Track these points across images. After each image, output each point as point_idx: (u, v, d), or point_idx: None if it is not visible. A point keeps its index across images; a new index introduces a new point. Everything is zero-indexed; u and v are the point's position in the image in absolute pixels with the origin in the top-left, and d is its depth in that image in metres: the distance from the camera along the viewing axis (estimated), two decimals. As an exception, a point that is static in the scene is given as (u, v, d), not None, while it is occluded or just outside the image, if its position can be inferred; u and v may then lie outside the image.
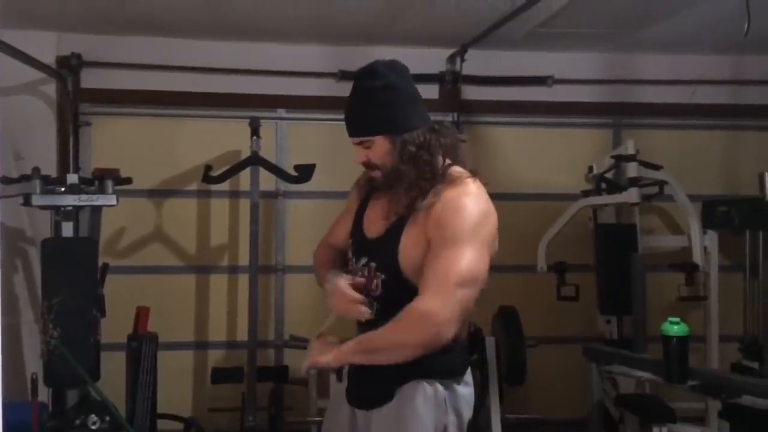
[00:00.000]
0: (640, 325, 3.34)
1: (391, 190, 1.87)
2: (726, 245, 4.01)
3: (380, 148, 1.81)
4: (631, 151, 3.79)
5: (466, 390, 1.87)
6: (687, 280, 3.82)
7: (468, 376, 1.90)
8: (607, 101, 4.37)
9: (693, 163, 4.33)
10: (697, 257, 3.76)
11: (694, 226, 3.76)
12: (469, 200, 1.76)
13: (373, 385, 1.85)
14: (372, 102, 1.80)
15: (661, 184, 3.82)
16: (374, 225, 1.90)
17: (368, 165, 1.85)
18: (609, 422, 3.69)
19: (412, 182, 1.79)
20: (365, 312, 1.81)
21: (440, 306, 1.66)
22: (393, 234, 1.82)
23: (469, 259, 1.70)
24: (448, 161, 1.87)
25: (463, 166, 1.89)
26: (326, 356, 1.79)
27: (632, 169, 3.76)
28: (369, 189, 1.97)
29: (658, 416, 3.19)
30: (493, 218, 1.80)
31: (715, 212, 3.87)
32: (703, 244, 3.82)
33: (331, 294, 1.87)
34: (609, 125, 4.40)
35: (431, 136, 1.84)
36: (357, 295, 1.83)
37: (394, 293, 1.79)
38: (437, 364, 1.81)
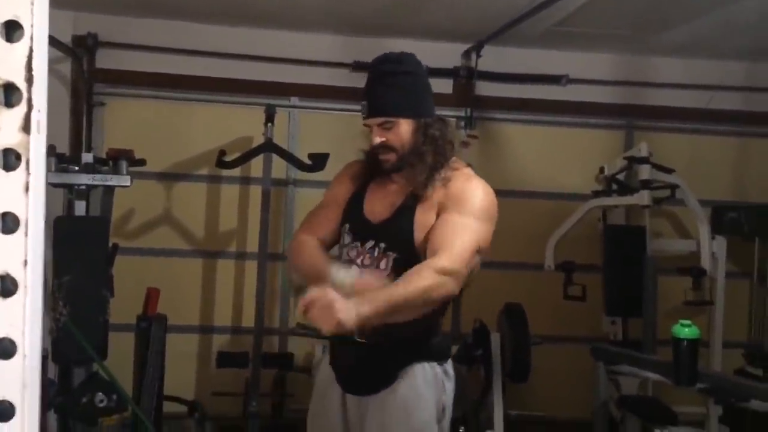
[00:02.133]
0: (649, 327, 3.34)
1: (399, 173, 1.92)
2: (734, 251, 4.02)
3: (402, 129, 1.88)
4: (644, 153, 3.79)
5: (451, 370, 1.97)
6: (694, 285, 3.82)
7: (450, 359, 2.00)
8: (621, 102, 4.37)
9: (704, 168, 4.33)
10: (705, 262, 3.76)
11: (704, 231, 3.75)
12: (484, 185, 1.90)
13: (373, 370, 1.89)
14: (400, 85, 1.89)
15: (673, 187, 3.81)
16: (379, 209, 1.94)
17: (385, 146, 1.89)
18: (610, 422, 3.71)
19: (430, 163, 1.86)
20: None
21: (461, 267, 1.76)
22: (405, 213, 1.89)
23: (484, 234, 1.83)
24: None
25: (460, 160, 1.99)
26: (354, 313, 1.61)
27: (644, 172, 3.76)
28: (365, 178, 2.00)
29: (660, 418, 3.22)
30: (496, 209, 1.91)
31: (725, 218, 3.87)
32: (711, 250, 3.82)
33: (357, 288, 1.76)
34: (622, 127, 4.40)
35: (444, 126, 1.94)
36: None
37: (404, 270, 1.81)
38: (434, 346, 1.89)
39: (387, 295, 1.70)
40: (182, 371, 4.01)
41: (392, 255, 1.87)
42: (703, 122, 4.37)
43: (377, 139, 1.89)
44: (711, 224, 3.87)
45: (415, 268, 1.74)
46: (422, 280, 1.71)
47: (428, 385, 1.88)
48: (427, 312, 1.81)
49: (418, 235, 1.85)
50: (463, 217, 1.80)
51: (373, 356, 1.88)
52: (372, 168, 1.98)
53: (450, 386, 1.94)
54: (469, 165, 2.02)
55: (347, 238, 1.97)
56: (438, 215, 1.84)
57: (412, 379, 1.86)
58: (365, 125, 1.93)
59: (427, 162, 1.87)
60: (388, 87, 1.88)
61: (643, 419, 3.35)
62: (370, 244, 1.91)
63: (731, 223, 3.85)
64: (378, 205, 1.96)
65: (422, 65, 1.99)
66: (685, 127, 4.37)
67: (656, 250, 3.97)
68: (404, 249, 1.86)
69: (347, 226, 1.98)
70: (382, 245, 1.88)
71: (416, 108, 1.89)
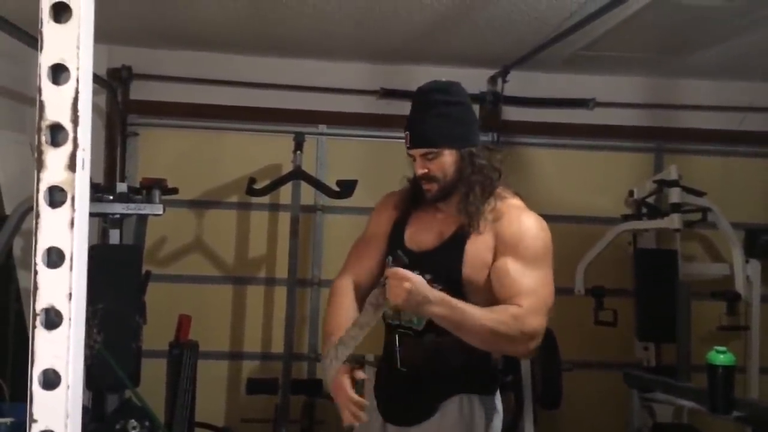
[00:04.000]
0: (683, 353, 3.28)
1: (440, 204, 1.90)
2: (769, 275, 3.94)
3: (447, 160, 1.86)
4: (674, 176, 3.76)
5: (500, 405, 1.92)
6: (728, 309, 3.75)
7: (499, 393, 1.93)
8: (650, 125, 4.35)
9: (736, 191, 4.27)
10: (740, 286, 3.70)
11: (737, 255, 3.70)
12: (540, 221, 1.87)
13: (414, 401, 1.86)
14: (444, 115, 1.87)
15: (704, 210, 3.77)
16: (424, 238, 1.91)
17: (427, 177, 1.87)
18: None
19: (479, 193, 1.83)
20: (362, 418, 1.77)
21: (540, 328, 1.74)
22: (455, 244, 1.84)
23: (552, 286, 1.81)
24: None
25: (507, 187, 1.94)
26: (432, 294, 1.68)
27: (675, 195, 3.73)
28: (406, 209, 1.99)
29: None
30: None
31: (759, 241, 3.81)
32: (745, 273, 3.76)
33: (332, 386, 1.83)
34: (651, 149, 4.37)
35: (490, 153, 1.91)
36: (357, 399, 1.79)
37: None
38: (479, 379, 1.84)
39: (462, 306, 1.69)
40: (213, 397, 4.04)
41: (437, 287, 1.80)
42: (734, 144, 4.33)
43: (420, 170, 1.88)
44: (744, 247, 3.81)
45: (503, 306, 1.71)
46: (503, 324, 1.67)
47: (468, 420, 1.83)
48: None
49: (467, 268, 1.81)
50: (528, 266, 1.75)
51: (413, 386, 1.86)
52: (415, 197, 1.97)
53: (497, 422, 1.88)
54: (517, 194, 1.96)
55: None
56: (495, 252, 1.79)
57: (450, 413, 1.82)
58: (409, 155, 1.92)
59: (476, 192, 1.84)
60: (432, 117, 1.86)
61: (679, 447, 3.28)
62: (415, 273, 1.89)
63: (765, 246, 3.78)
64: (423, 235, 1.93)
65: (467, 95, 1.96)
66: (716, 149, 4.33)
67: (688, 274, 3.92)
68: (451, 281, 1.81)
69: (389, 259, 1.96)
70: (427, 276, 1.80)
71: (460, 138, 1.87)
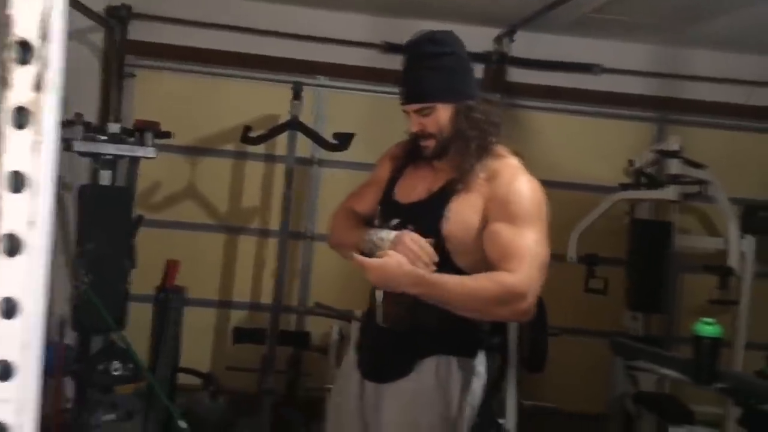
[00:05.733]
0: (670, 323, 3.29)
1: (439, 160, 1.85)
2: (764, 251, 3.92)
3: (441, 115, 1.78)
4: (674, 147, 3.71)
5: (480, 368, 1.85)
6: (720, 284, 3.75)
7: (482, 356, 1.88)
8: (654, 95, 4.28)
9: (738, 165, 4.23)
10: (733, 261, 3.68)
11: (733, 229, 3.67)
12: (534, 182, 1.79)
13: (391, 358, 1.83)
14: (438, 68, 1.78)
15: (702, 183, 3.73)
16: (412, 192, 1.87)
17: (423, 134, 1.81)
18: (626, 418, 3.67)
19: (474, 149, 1.77)
20: (434, 257, 1.70)
21: (533, 289, 1.66)
22: (440, 199, 1.79)
23: (545, 245, 1.73)
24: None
25: (506, 144, 1.87)
26: (405, 277, 1.62)
27: (674, 166, 3.69)
28: (403, 161, 1.94)
29: (677, 417, 3.17)
30: None
31: (756, 217, 3.78)
32: (740, 248, 3.73)
33: (400, 238, 1.71)
34: (654, 119, 4.31)
35: (489, 107, 1.84)
36: (424, 242, 1.70)
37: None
38: (458, 340, 1.81)
39: (443, 281, 1.64)
40: (200, 344, 4.05)
41: (429, 240, 1.74)
42: (739, 118, 4.27)
43: (415, 127, 1.81)
44: (742, 222, 3.78)
45: (487, 273, 1.66)
46: (486, 289, 1.63)
47: (444, 382, 1.78)
48: None
49: (449, 224, 1.75)
50: (518, 226, 1.68)
51: (391, 344, 1.82)
52: (414, 151, 1.92)
53: (476, 384, 1.82)
54: (516, 153, 1.87)
55: (376, 221, 1.90)
56: (484, 213, 1.73)
57: (426, 373, 1.78)
58: (404, 111, 1.84)
59: (471, 147, 1.77)
60: (425, 70, 1.78)
61: (660, 417, 3.30)
62: (394, 222, 1.81)
63: (762, 221, 3.76)
64: (411, 188, 1.87)
65: (462, 43, 1.85)
66: (720, 123, 4.27)
67: (683, 247, 3.90)
68: (431, 235, 1.74)
69: (379, 208, 1.93)
70: (410, 227, 1.76)
71: (456, 91, 1.78)
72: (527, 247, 1.67)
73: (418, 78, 1.80)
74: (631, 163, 4.08)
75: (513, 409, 3.36)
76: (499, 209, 1.72)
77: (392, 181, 1.94)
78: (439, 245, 1.74)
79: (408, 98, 1.82)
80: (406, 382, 1.80)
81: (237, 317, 4.15)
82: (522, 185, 1.76)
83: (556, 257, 3.86)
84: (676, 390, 3.67)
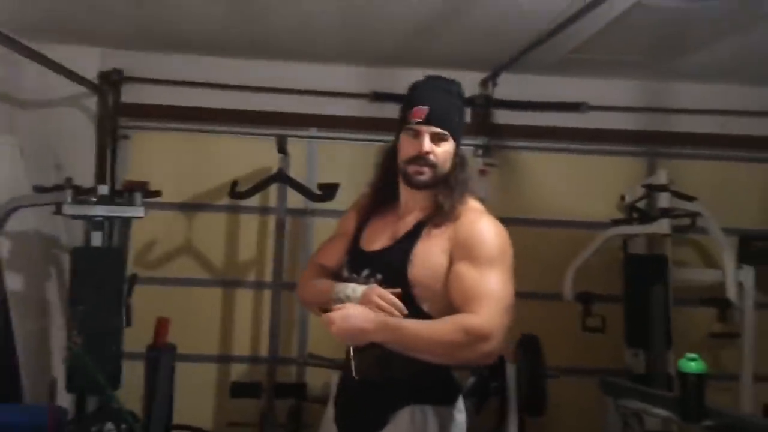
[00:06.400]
0: (659, 360, 3.24)
1: (399, 209, 1.87)
2: (764, 281, 3.88)
3: (449, 149, 1.81)
4: (663, 180, 3.72)
5: (459, 417, 1.84)
6: (719, 316, 3.70)
7: (460, 403, 1.87)
8: (642, 129, 4.30)
9: (730, 196, 4.22)
10: (731, 293, 3.64)
11: (728, 260, 3.64)
12: (497, 224, 1.80)
13: (366, 411, 1.82)
14: (456, 105, 1.84)
15: (694, 215, 3.72)
16: (377, 240, 1.88)
17: (427, 159, 1.79)
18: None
19: (457, 195, 1.80)
20: (403, 310, 1.72)
21: (497, 330, 1.64)
22: (404, 244, 1.80)
23: (510, 286, 1.72)
24: None
25: (471, 192, 1.90)
26: (368, 323, 1.64)
27: (664, 200, 3.68)
28: (368, 211, 1.96)
29: (682, 456, 3.09)
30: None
31: (752, 247, 3.75)
32: (738, 280, 3.69)
33: (367, 295, 1.73)
34: (643, 154, 4.32)
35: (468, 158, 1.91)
36: (391, 297, 1.72)
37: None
38: (432, 389, 1.80)
39: (404, 325, 1.65)
40: (201, 400, 4.04)
41: (391, 289, 1.75)
42: (728, 148, 4.27)
43: (426, 147, 1.77)
44: (738, 253, 3.76)
45: (449, 316, 1.65)
46: (448, 333, 1.62)
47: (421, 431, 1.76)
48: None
49: (414, 269, 1.75)
50: (482, 269, 1.68)
51: (366, 397, 1.82)
52: (380, 200, 1.93)
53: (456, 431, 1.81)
54: (479, 199, 1.89)
55: (345, 272, 1.91)
56: (449, 255, 1.74)
57: (401, 425, 1.76)
58: (412, 128, 1.79)
59: (456, 191, 1.80)
60: (450, 102, 1.81)
61: (665, 456, 3.23)
62: (365, 273, 1.83)
63: (759, 251, 3.73)
64: (377, 236, 1.88)
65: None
66: (710, 154, 4.27)
67: (680, 280, 3.87)
68: (397, 280, 1.75)
69: (346, 259, 1.95)
70: (378, 276, 1.78)
71: (461, 133, 1.83)
72: (491, 289, 1.68)
73: (443, 104, 1.80)
74: (622, 198, 4.09)
75: (515, 454, 3.32)
76: (462, 251, 1.74)
77: (359, 231, 1.96)
78: (407, 292, 1.75)
79: (432, 119, 1.78)
80: None
81: (237, 371, 4.14)
82: (485, 227, 1.78)
83: (552, 296, 3.91)
84: (686, 428, 3.60)
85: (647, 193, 3.81)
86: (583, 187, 4.26)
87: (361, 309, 1.66)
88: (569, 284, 3.79)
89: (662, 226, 3.62)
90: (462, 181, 1.83)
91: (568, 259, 3.89)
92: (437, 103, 1.79)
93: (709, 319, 3.85)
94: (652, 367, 3.32)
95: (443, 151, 1.79)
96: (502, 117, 4.27)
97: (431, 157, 1.78)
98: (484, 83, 4.22)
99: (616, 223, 3.92)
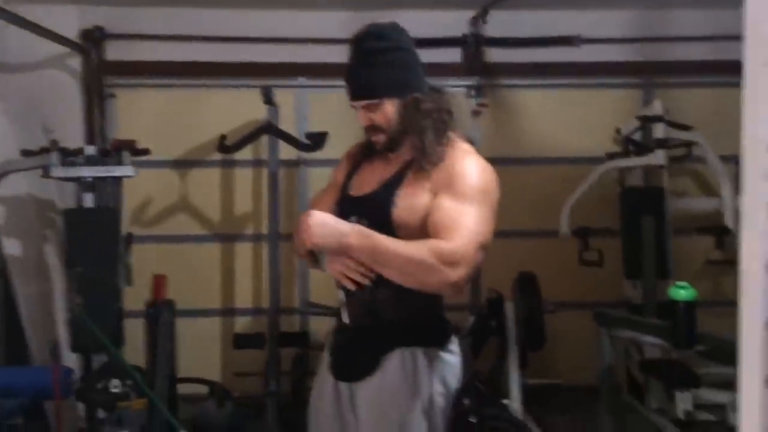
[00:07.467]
0: (650, 289, 3.25)
1: (390, 153, 1.85)
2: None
3: (388, 109, 1.78)
4: (658, 111, 3.66)
5: (452, 358, 1.83)
6: (717, 244, 3.70)
7: (453, 345, 1.86)
8: (637, 60, 4.22)
9: (728, 123, 4.12)
10: (729, 220, 3.63)
11: (726, 188, 3.61)
12: (482, 164, 1.78)
13: (356, 357, 1.83)
14: (382, 64, 1.78)
15: (690, 145, 3.68)
16: (365, 185, 1.87)
17: (372, 128, 1.82)
18: (635, 387, 3.65)
19: (431, 138, 1.78)
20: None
21: (466, 261, 1.63)
22: (389, 187, 1.79)
23: (488, 225, 1.70)
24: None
25: (458, 131, 1.87)
26: (345, 226, 1.70)
27: (659, 130, 3.64)
28: (359, 159, 1.95)
29: (682, 382, 3.14)
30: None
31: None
32: (735, 206, 3.67)
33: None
34: (639, 85, 4.25)
35: (440, 97, 1.84)
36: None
37: None
38: (422, 332, 1.80)
39: (378, 236, 1.67)
40: (208, 353, 4.10)
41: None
42: (727, 74, 4.17)
43: (363, 122, 1.82)
44: (737, 180, 3.72)
45: (420, 241, 1.66)
46: (418, 252, 1.62)
47: (411, 374, 1.76)
48: (413, 291, 1.69)
49: (398, 210, 1.74)
50: (460, 202, 1.68)
51: (357, 342, 1.83)
52: (370, 147, 1.92)
53: (449, 374, 1.80)
54: (469, 140, 1.88)
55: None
56: (432, 194, 1.73)
57: (391, 368, 1.76)
58: (352, 107, 1.84)
59: (429, 136, 1.77)
60: (369, 67, 1.77)
61: (665, 383, 3.28)
62: (353, 220, 1.80)
63: (756, 178, 3.69)
64: (365, 182, 1.88)
65: (407, 35, 1.85)
66: (705, 81, 4.19)
67: (678, 210, 3.85)
68: (383, 223, 1.75)
69: (335, 206, 1.94)
70: (365, 221, 1.76)
71: (401, 85, 1.79)
72: (467, 221, 1.67)
73: (363, 74, 1.79)
74: (618, 131, 4.04)
75: (517, 389, 3.37)
76: (444, 186, 1.72)
77: (348, 179, 1.94)
78: (392, 234, 1.74)
79: (354, 95, 1.81)
80: (374, 379, 1.79)
81: (242, 323, 4.19)
82: (468, 163, 1.75)
83: (549, 233, 3.91)
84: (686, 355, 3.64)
85: (642, 124, 3.77)
86: (578, 122, 4.21)
87: (323, 216, 1.72)
88: (566, 220, 3.78)
89: (658, 157, 3.58)
90: (428, 126, 1.79)
91: (565, 196, 3.87)
92: (357, 73, 1.79)
93: (707, 247, 3.84)
94: (650, 298, 3.33)
95: (382, 116, 1.79)
96: (495, 55, 4.19)
97: (375, 124, 1.80)
98: (474, 21, 4.13)
99: (611, 156, 3.88)
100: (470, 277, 1.67)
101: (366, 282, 1.74)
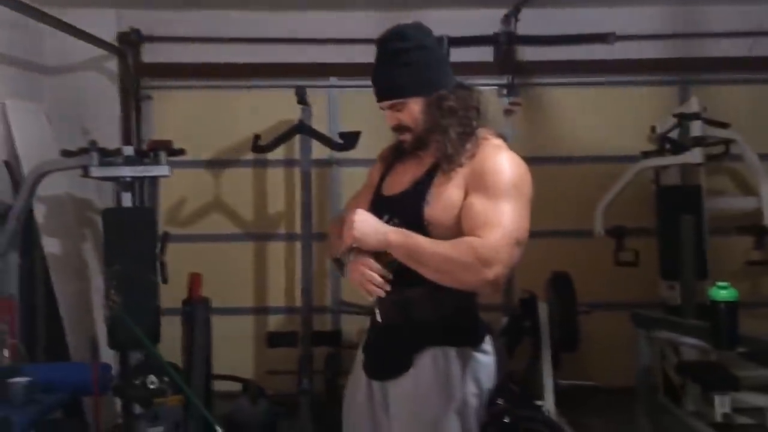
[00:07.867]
0: (688, 290, 3.20)
1: (420, 152, 1.86)
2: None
3: (414, 108, 1.79)
4: (695, 108, 3.60)
5: (485, 358, 1.82)
6: (756, 244, 3.62)
7: (487, 345, 1.85)
8: (673, 57, 4.16)
9: (766, 120, 4.07)
10: (768, 219, 3.56)
11: (764, 187, 3.54)
12: (515, 158, 1.76)
13: (388, 355, 1.83)
14: (405, 64, 1.78)
15: (728, 142, 3.61)
16: (398, 184, 1.87)
17: (399, 128, 1.84)
18: (671, 389, 3.59)
19: (455, 136, 1.77)
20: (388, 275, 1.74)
21: (502, 259, 1.62)
22: (421, 185, 1.79)
23: (523, 221, 1.68)
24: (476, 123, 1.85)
25: (489, 127, 1.86)
26: (383, 226, 1.71)
27: (696, 128, 3.58)
28: (392, 159, 1.95)
29: (720, 384, 3.08)
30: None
31: (790, 171, 3.64)
32: (775, 206, 3.60)
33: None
34: (674, 82, 4.20)
35: (465, 93, 1.84)
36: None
37: None
38: (456, 331, 1.79)
39: (418, 236, 1.67)
40: (241, 351, 4.15)
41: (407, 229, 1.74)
42: (763, 71, 4.10)
43: (390, 122, 1.82)
44: (776, 178, 3.64)
45: (456, 239, 1.66)
46: (455, 250, 1.62)
47: (444, 374, 1.75)
48: (447, 290, 1.68)
49: (430, 209, 1.74)
50: (494, 198, 1.67)
51: (390, 341, 1.83)
52: (401, 147, 1.94)
53: (483, 374, 1.78)
54: (500, 136, 1.86)
55: None
56: (464, 191, 1.72)
57: (424, 367, 1.75)
58: (380, 108, 1.85)
59: (451, 135, 1.77)
60: (393, 67, 1.78)
61: (703, 386, 3.22)
62: (384, 219, 1.80)
63: (797, 176, 3.61)
64: (398, 181, 1.89)
65: (430, 34, 1.85)
66: (745, 78, 4.12)
67: (715, 209, 3.79)
68: (416, 222, 1.74)
69: (370, 206, 1.95)
70: (396, 220, 1.76)
71: (425, 84, 1.79)
72: (502, 219, 1.66)
73: (387, 75, 1.81)
74: (653, 129, 3.98)
75: (550, 390, 3.35)
76: (476, 183, 1.72)
77: (382, 179, 1.95)
78: (424, 233, 1.74)
79: (379, 95, 1.83)
80: (406, 378, 1.79)
81: (275, 322, 4.23)
82: (501, 159, 1.74)
83: (584, 233, 3.87)
84: (725, 357, 3.57)
85: (679, 122, 3.70)
86: (613, 120, 4.17)
87: (365, 215, 1.74)
88: (600, 220, 3.73)
89: (695, 155, 3.52)
90: (451, 124, 1.79)
91: (599, 195, 3.83)
92: (381, 75, 1.81)
93: (745, 247, 3.77)
94: (687, 298, 3.27)
95: (408, 115, 1.79)
96: (527, 53, 4.16)
97: (402, 124, 1.80)
98: (505, 19, 4.11)
99: (646, 155, 3.83)
100: (508, 274, 1.66)
101: (380, 294, 1.75)
